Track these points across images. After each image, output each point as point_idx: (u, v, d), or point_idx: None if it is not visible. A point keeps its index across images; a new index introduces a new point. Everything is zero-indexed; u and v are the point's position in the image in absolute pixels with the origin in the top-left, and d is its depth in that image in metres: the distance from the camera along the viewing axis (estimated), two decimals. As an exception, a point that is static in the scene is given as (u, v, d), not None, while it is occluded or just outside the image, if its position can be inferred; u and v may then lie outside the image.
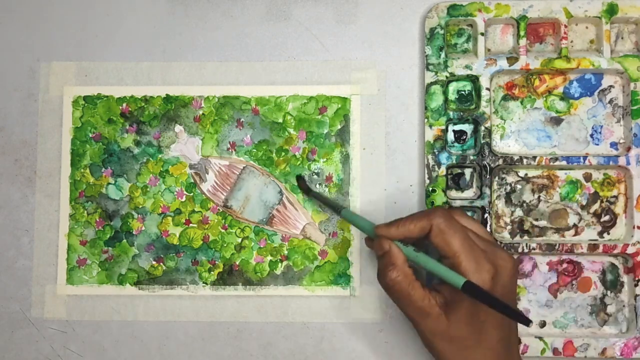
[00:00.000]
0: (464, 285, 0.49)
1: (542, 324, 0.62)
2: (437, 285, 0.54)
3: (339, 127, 0.63)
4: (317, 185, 0.63)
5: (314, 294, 0.62)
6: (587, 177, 0.63)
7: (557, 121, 0.63)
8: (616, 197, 0.62)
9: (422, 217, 0.54)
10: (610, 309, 0.62)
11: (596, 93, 0.63)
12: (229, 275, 0.63)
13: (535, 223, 0.63)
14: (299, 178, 0.63)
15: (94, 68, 0.64)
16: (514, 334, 0.55)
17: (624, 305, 0.62)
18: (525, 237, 0.62)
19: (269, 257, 0.63)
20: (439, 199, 0.61)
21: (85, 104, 0.64)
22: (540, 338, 0.61)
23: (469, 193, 0.62)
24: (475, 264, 0.51)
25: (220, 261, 0.63)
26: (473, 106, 0.63)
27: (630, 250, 0.61)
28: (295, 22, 0.64)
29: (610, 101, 0.63)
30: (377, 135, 0.63)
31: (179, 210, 0.63)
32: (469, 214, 0.62)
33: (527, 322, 0.46)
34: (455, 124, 0.63)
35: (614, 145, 0.63)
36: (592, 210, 0.62)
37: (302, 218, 0.63)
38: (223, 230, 0.63)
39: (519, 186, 0.63)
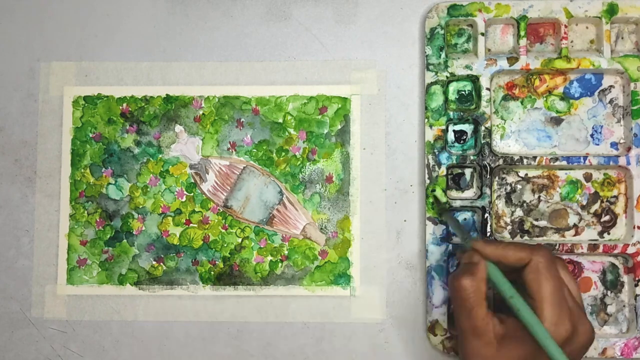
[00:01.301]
0: None
1: (542, 324, 0.62)
2: (504, 316, 0.53)
3: (339, 127, 0.63)
4: (318, 185, 0.63)
5: (314, 294, 0.62)
6: (588, 177, 0.63)
7: (557, 121, 0.63)
8: (616, 197, 0.62)
9: (524, 248, 0.53)
10: (611, 309, 0.62)
11: (596, 93, 0.63)
12: (229, 275, 0.63)
13: (536, 223, 0.63)
14: (436, 199, 0.61)
15: (94, 68, 0.64)
16: None
17: (624, 305, 0.62)
18: (526, 237, 0.62)
19: (269, 257, 0.63)
20: (439, 198, 0.61)
21: (86, 104, 0.64)
22: (541, 338, 0.61)
23: (469, 193, 0.62)
24: (557, 317, 0.51)
25: (220, 261, 0.63)
26: (473, 106, 0.63)
27: (631, 250, 0.61)
28: (295, 22, 0.64)
29: (611, 101, 0.63)
30: (377, 135, 0.63)
31: (179, 210, 0.63)
32: (469, 213, 0.62)
33: None
34: (455, 124, 0.63)
35: (614, 145, 0.63)
36: (592, 210, 0.62)
37: (303, 218, 0.63)
38: (223, 230, 0.63)
39: (519, 186, 0.63)
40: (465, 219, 0.62)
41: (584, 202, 0.62)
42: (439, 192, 0.61)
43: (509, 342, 0.52)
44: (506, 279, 0.53)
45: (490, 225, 0.61)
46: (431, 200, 0.61)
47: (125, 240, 0.63)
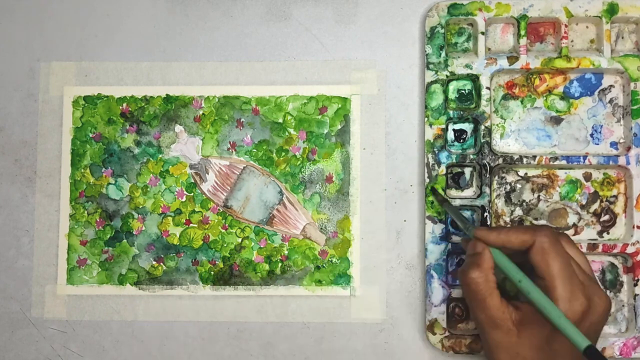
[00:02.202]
0: (587, 349, 0.47)
1: (542, 324, 0.62)
2: (519, 303, 0.53)
3: (339, 127, 0.63)
4: (318, 185, 0.63)
5: (314, 294, 0.62)
6: (587, 177, 0.63)
7: (557, 120, 0.63)
8: (616, 196, 0.62)
9: (526, 230, 0.53)
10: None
11: (596, 92, 0.63)
12: (229, 275, 0.63)
13: (535, 222, 0.63)
14: (434, 190, 0.61)
15: (94, 68, 0.64)
16: None
17: (623, 305, 0.62)
18: (525, 237, 0.62)
19: (269, 257, 0.63)
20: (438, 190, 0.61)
21: (86, 104, 0.64)
22: (540, 337, 0.61)
23: (469, 192, 0.62)
24: (570, 293, 0.51)
25: (220, 261, 0.63)
26: (473, 105, 0.63)
27: (630, 249, 0.61)
28: (295, 22, 0.64)
29: (611, 101, 0.63)
30: (377, 135, 0.63)
31: (179, 210, 0.63)
32: (469, 212, 0.62)
33: None
34: (455, 123, 0.63)
35: (614, 144, 0.63)
36: (591, 209, 0.62)
37: (303, 218, 0.63)
38: (223, 230, 0.63)
39: (518, 185, 0.63)
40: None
41: (584, 202, 0.62)
42: (438, 188, 0.61)
43: (528, 327, 0.52)
44: (513, 263, 0.53)
45: (490, 225, 0.61)
46: (430, 196, 0.61)
47: (125, 240, 0.63)
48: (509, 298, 0.54)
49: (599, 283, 0.58)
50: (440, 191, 0.61)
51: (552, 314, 0.50)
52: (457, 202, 0.62)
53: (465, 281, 0.53)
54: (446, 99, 0.62)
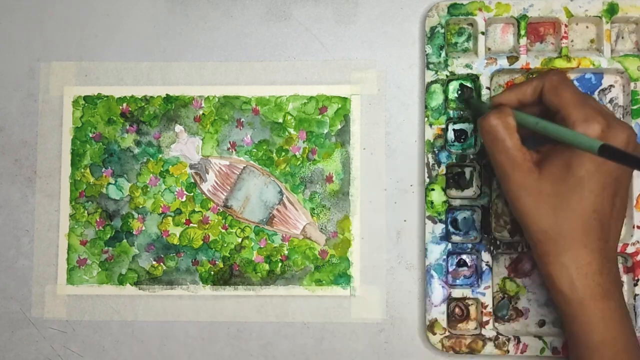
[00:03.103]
0: (601, 147, 0.45)
1: (542, 323, 0.62)
2: (538, 147, 0.54)
3: (339, 127, 0.63)
4: (317, 185, 0.63)
5: (314, 294, 0.62)
6: (587, 177, 0.63)
7: (557, 121, 0.63)
8: (616, 196, 0.62)
9: (535, 78, 0.54)
10: (610, 308, 0.62)
11: (596, 92, 0.63)
12: (229, 275, 0.63)
13: (535, 222, 0.63)
14: (464, 86, 0.62)
15: (94, 68, 0.64)
16: (617, 218, 0.53)
17: (623, 305, 0.62)
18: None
19: (269, 257, 0.63)
20: (438, 197, 0.61)
21: (86, 104, 0.64)
22: (540, 337, 0.61)
23: (469, 192, 0.62)
24: (585, 116, 0.50)
25: (220, 261, 0.63)
26: (467, 111, 0.63)
27: (630, 249, 0.61)
28: (295, 22, 0.64)
29: (611, 101, 0.63)
30: (377, 135, 0.63)
31: (179, 210, 0.63)
32: (469, 212, 0.62)
33: None
34: (455, 123, 0.63)
35: (614, 144, 0.63)
36: (592, 209, 0.62)
37: (303, 218, 0.63)
38: (223, 230, 0.63)
39: (519, 185, 0.63)
40: (465, 217, 0.62)
41: (584, 202, 0.62)
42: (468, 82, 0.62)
43: (548, 163, 0.51)
44: (530, 115, 0.53)
45: (490, 224, 0.61)
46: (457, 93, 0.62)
47: (125, 240, 0.63)
48: None
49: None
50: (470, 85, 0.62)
51: (566, 134, 0.49)
52: (457, 202, 0.62)
53: (485, 128, 0.53)
54: (446, 99, 0.62)
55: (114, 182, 0.64)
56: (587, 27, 0.63)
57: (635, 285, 0.61)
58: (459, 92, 0.62)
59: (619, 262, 0.61)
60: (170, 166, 0.63)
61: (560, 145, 0.51)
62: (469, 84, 0.62)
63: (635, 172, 0.61)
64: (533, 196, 0.51)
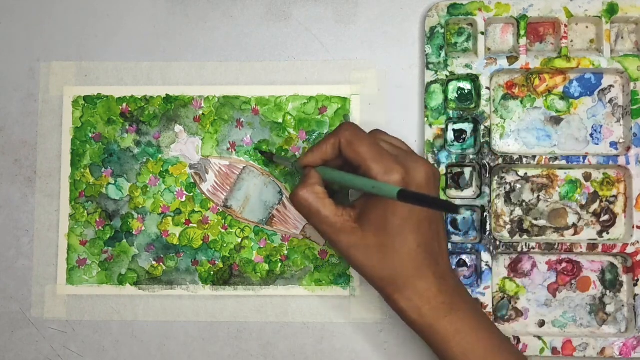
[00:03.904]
0: (399, 193, 0.47)
1: (541, 323, 0.62)
2: (351, 204, 0.56)
3: (339, 127, 0.63)
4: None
5: (314, 294, 0.62)
6: (587, 177, 0.63)
7: (557, 120, 0.63)
8: (616, 196, 0.62)
9: (331, 135, 0.55)
10: (609, 308, 0.62)
11: (596, 93, 0.63)
12: (229, 275, 0.63)
13: (535, 222, 0.63)
14: (261, 151, 0.63)
15: (94, 68, 0.64)
16: (439, 242, 0.55)
17: (623, 305, 0.62)
18: (525, 237, 0.62)
19: (269, 257, 0.63)
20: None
21: (85, 104, 0.64)
22: (539, 337, 0.61)
23: (469, 192, 0.62)
24: (384, 167, 0.52)
25: (220, 261, 0.63)
26: (473, 105, 0.63)
27: (630, 250, 0.61)
28: (295, 22, 0.64)
29: (610, 101, 0.63)
30: (377, 135, 0.63)
31: (179, 210, 0.63)
32: (468, 212, 0.62)
33: (456, 209, 0.45)
34: (455, 123, 0.63)
35: (613, 144, 0.63)
36: (591, 209, 0.63)
37: (302, 218, 0.63)
38: (223, 230, 0.63)
39: (518, 185, 0.63)
40: (464, 217, 0.62)
41: (583, 202, 0.63)
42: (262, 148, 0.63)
43: (366, 217, 0.54)
44: (338, 171, 0.55)
45: (490, 225, 0.61)
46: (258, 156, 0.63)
47: (125, 240, 0.63)
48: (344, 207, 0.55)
49: (418, 154, 0.59)
50: (266, 149, 0.63)
51: (367, 184, 0.51)
52: (457, 202, 0.62)
53: (296, 201, 0.55)
54: (446, 99, 0.62)
55: (113, 182, 0.63)
56: (587, 27, 0.63)
57: (635, 285, 0.61)
58: (262, 156, 0.63)
59: (619, 263, 0.62)
60: (170, 166, 0.63)
61: (373, 198, 0.53)
62: (266, 150, 0.63)
63: (636, 172, 0.61)
64: (362, 251, 0.54)
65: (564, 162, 0.61)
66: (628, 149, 0.61)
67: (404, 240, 0.53)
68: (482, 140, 0.61)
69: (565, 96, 0.63)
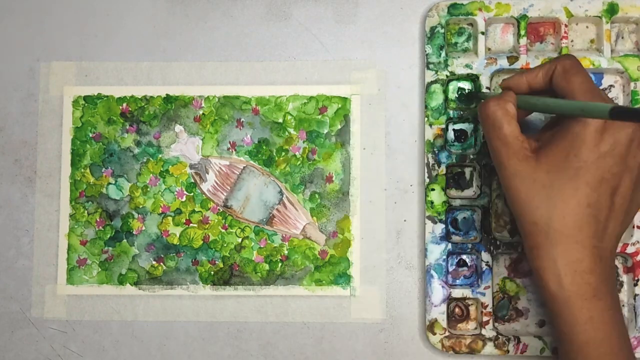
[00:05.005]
0: (611, 110, 0.43)
1: (542, 323, 0.62)
2: (537, 134, 0.53)
3: (339, 127, 0.63)
4: (317, 185, 0.63)
5: (314, 294, 0.62)
6: (587, 177, 0.62)
7: (557, 121, 0.63)
8: (616, 196, 0.62)
9: (546, 63, 0.53)
10: (610, 308, 0.62)
11: (596, 92, 0.63)
12: (229, 275, 0.63)
13: (535, 222, 0.63)
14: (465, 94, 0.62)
15: (94, 68, 0.64)
16: (615, 218, 0.51)
17: (623, 305, 0.62)
18: (525, 237, 0.62)
19: (269, 257, 0.63)
20: (438, 197, 0.61)
21: (85, 104, 0.64)
22: (540, 337, 0.61)
23: (469, 192, 0.62)
24: (593, 100, 0.49)
25: (220, 261, 0.63)
26: (473, 105, 0.63)
27: (630, 249, 0.61)
28: (295, 22, 0.64)
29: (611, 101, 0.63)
30: (377, 135, 0.63)
31: (179, 210, 0.63)
32: (468, 212, 0.62)
33: None
34: (455, 123, 0.63)
35: (614, 144, 0.63)
36: (592, 209, 0.62)
37: (302, 218, 0.63)
38: (223, 230, 0.63)
39: (519, 185, 0.63)
40: (465, 217, 0.62)
41: (584, 202, 0.62)
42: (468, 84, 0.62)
43: (546, 151, 0.51)
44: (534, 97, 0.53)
45: (490, 224, 0.61)
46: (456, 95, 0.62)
47: (125, 240, 0.63)
48: None
49: None
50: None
51: (573, 105, 0.48)
52: (457, 202, 0.62)
53: (484, 114, 0.53)
54: (446, 99, 0.62)
55: (114, 182, 0.64)
56: (587, 27, 0.63)
57: (635, 285, 0.61)
58: (459, 92, 0.62)
59: (619, 262, 0.62)
60: (170, 166, 0.63)
61: (560, 133, 0.51)
62: (468, 86, 0.62)
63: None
64: (527, 185, 0.50)
65: (564, 162, 0.61)
66: (628, 149, 0.61)
67: (576, 191, 0.49)
68: (482, 140, 0.61)
69: (566, 96, 0.63)
